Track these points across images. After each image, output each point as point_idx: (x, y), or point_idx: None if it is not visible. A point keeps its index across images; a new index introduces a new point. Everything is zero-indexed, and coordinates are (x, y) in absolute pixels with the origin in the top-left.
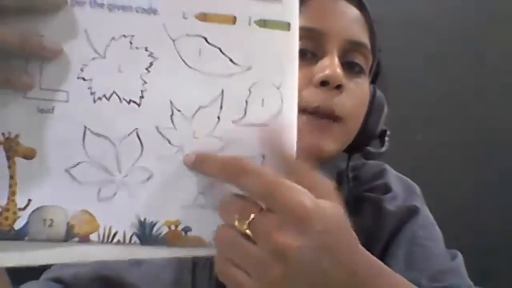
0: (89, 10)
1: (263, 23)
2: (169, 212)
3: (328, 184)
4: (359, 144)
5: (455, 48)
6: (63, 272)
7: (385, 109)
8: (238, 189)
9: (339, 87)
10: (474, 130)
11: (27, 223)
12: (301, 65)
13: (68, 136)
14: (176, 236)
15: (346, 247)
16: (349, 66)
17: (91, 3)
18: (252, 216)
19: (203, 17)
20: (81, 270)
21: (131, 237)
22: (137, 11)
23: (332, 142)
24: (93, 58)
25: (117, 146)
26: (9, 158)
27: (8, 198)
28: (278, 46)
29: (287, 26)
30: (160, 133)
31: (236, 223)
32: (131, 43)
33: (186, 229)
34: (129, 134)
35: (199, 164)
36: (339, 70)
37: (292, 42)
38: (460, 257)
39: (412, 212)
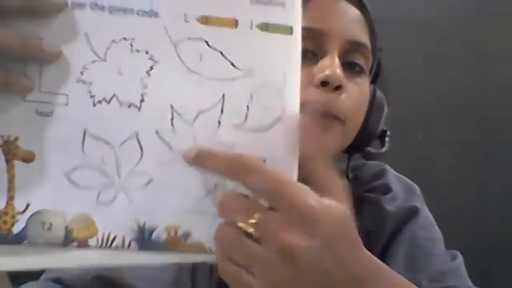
0: (89, 12)
1: (265, 27)
2: (168, 217)
3: (338, 183)
4: (359, 145)
5: (455, 48)
6: (63, 273)
7: (385, 109)
8: (236, 189)
9: (339, 87)
10: (474, 130)
11: (25, 227)
12: (301, 65)
13: (67, 140)
14: (176, 241)
15: (350, 247)
16: (349, 66)
17: (92, 5)
18: (258, 215)
19: (205, 20)
20: (81, 271)
21: (130, 242)
22: (138, 14)
23: (333, 141)
24: (93, 61)
25: (117, 150)
26: (8, 161)
27: (7, 202)
28: (280, 50)
29: (289, 30)
30: (160, 137)
31: (240, 222)
32: (131, 46)
33: (186, 235)
34: (129, 138)
35: (200, 159)
36: (339, 70)
37: (294, 46)
38: (460, 258)
39: (412, 213)
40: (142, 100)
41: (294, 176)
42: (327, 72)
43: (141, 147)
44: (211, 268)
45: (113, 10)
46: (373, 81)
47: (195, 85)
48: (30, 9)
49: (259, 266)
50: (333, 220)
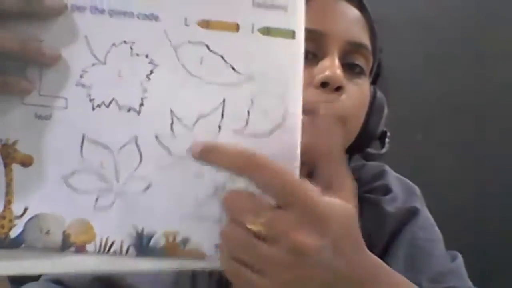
0: (89, 15)
1: (267, 31)
2: (167, 223)
3: (349, 182)
4: (359, 145)
5: (455, 48)
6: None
7: (386, 110)
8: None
9: (339, 88)
10: (474, 130)
11: (23, 231)
12: None
13: (66, 143)
14: (174, 247)
15: (355, 247)
16: (349, 67)
17: (92, 8)
18: (267, 214)
19: (206, 24)
20: None
21: (128, 248)
22: (138, 17)
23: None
24: (93, 64)
25: (116, 155)
26: (6, 165)
27: (5, 206)
28: (282, 55)
29: (291, 34)
30: (160, 141)
31: (249, 222)
32: (131, 49)
33: (185, 241)
34: (128, 142)
35: (206, 154)
36: (339, 71)
37: (297, 50)
38: (460, 258)
39: (412, 214)
40: (141, 104)
41: None
42: (327, 73)
43: (140, 152)
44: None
45: (113, 13)
46: (373, 82)
47: (195, 89)
48: (30, 12)
49: (271, 266)
50: (339, 219)
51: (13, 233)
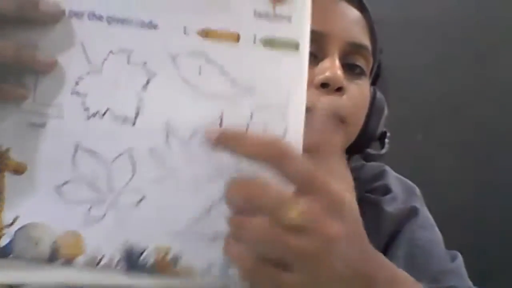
0: (87, 22)
1: (269, 42)
2: (159, 238)
3: (348, 181)
4: (359, 146)
5: (455, 48)
6: None
7: (385, 111)
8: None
9: (340, 89)
10: (474, 130)
11: (12, 240)
12: None
13: (59, 153)
14: (165, 264)
15: (364, 238)
16: (350, 68)
17: (90, 15)
18: (301, 205)
19: (205, 33)
20: None
21: (118, 262)
22: (137, 26)
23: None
24: (89, 72)
25: (109, 166)
26: None
27: None
28: (285, 68)
29: (295, 46)
30: (155, 154)
31: (283, 214)
32: (129, 58)
33: (176, 258)
34: (122, 154)
35: (226, 140)
36: (339, 72)
37: (300, 63)
38: (460, 258)
39: (411, 213)
40: (137, 115)
41: None
42: (327, 73)
43: (134, 164)
44: None
45: (111, 20)
46: (373, 83)
47: (192, 101)
48: (26, 17)
49: (300, 258)
50: (353, 207)
51: (2, 242)
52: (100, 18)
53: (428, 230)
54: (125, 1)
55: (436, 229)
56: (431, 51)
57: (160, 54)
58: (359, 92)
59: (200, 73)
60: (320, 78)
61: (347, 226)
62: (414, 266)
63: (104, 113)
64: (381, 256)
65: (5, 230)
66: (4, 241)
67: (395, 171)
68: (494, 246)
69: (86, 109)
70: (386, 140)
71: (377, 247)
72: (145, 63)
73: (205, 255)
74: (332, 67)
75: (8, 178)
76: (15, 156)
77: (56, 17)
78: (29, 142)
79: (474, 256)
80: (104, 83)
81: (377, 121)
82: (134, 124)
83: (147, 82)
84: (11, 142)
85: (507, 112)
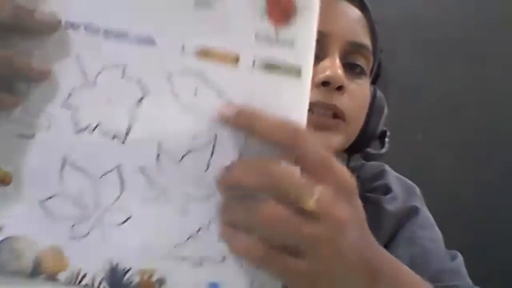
0: (83, 34)
1: (269, 67)
2: (144, 260)
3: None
4: (359, 145)
5: (455, 48)
6: None
7: (385, 110)
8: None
9: (340, 88)
10: (474, 130)
11: None
12: None
13: (46, 166)
14: (150, 285)
15: (366, 225)
16: (350, 67)
17: (86, 27)
18: (318, 189)
19: (204, 53)
20: None
21: (100, 282)
22: (134, 40)
23: (338, 138)
24: (82, 85)
25: (97, 182)
26: None
27: None
28: (285, 94)
29: (296, 73)
30: (144, 173)
31: (301, 198)
32: (124, 73)
33: (161, 281)
34: (110, 171)
35: (241, 119)
36: (340, 71)
37: (302, 91)
38: (460, 258)
39: (412, 213)
40: (127, 133)
41: None
42: (328, 72)
43: (122, 182)
44: None
45: (108, 33)
46: (373, 82)
47: (186, 122)
48: (22, 26)
49: (312, 244)
50: (358, 197)
51: None
52: (97, 30)
53: (428, 229)
54: (123, 14)
55: (436, 228)
56: (431, 51)
57: (156, 71)
58: (359, 91)
59: (195, 94)
60: (320, 77)
61: (354, 212)
62: (414, 265)
63: (94, 128)
64: (382, 248)
65: None
66: None
67: (395, 170)
68: (494, 246)
69: (76, 123)
70: (386, 139)
71: None
72: (140, 79)
73: (191, 278)
74: (332, 66)
75: None
76: (1, 166)
77: (52, 27)
78: (16, 153)
79: (474, 256)
80: (96, 97)
81: (377, 120)
82: (124, 141)
83: (141, 99)
84: None
85: (507, 112)
